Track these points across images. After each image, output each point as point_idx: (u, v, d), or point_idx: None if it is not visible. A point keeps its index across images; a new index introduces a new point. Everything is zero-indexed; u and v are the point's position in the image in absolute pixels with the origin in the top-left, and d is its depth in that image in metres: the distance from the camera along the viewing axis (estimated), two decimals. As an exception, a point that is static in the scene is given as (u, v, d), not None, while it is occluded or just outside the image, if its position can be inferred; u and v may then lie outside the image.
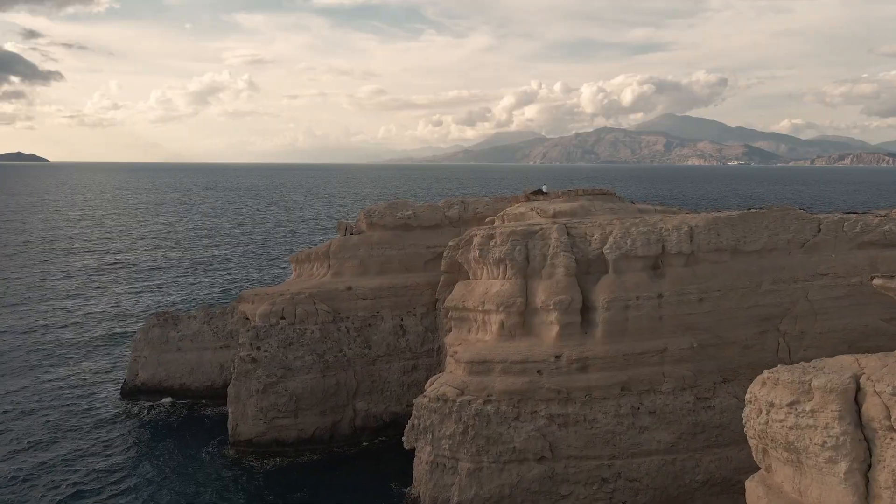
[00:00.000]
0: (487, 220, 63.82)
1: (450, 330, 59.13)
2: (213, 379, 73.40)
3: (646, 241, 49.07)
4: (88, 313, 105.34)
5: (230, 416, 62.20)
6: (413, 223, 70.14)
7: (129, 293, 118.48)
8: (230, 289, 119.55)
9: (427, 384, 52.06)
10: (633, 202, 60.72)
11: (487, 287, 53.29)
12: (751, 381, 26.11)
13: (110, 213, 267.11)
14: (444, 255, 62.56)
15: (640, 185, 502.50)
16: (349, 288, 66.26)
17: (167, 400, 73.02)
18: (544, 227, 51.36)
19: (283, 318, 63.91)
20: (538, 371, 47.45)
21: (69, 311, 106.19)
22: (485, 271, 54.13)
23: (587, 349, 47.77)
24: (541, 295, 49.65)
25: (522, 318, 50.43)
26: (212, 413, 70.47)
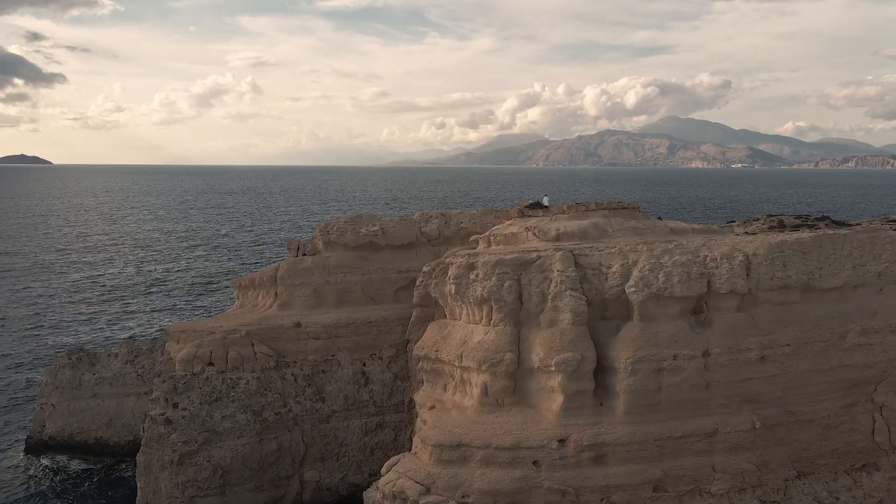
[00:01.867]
0: (473, 238, 49.86)
1: (421, 383, 45.38)
2: (137, 433, 59.09)
3: (685, 276, 35.15)
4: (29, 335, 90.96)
5: (139, 492, 48.24)
6: (381, 241, 56.20)
7: (82, 321, 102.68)
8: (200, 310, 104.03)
9: (384, 468, 38.20)
10: (660, 218, 46.64)
11: (467, 334, 39.44)
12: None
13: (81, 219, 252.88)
14: (418, 283, 48.74)
15: (644, 187, 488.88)
16: (298, 324, 52.29)
17: (77, 460, 59.10)
18: (544, 254, 37.44)
19: (210, 363, 49.99)
20: (534, 462, 33.57)
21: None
22: (464, 311, 40.31)
23: (604, 430, 33.81)
24: (539, 350, 35.76)
25: (513, 381, 36.59)
26: (133, 476, 56.44)
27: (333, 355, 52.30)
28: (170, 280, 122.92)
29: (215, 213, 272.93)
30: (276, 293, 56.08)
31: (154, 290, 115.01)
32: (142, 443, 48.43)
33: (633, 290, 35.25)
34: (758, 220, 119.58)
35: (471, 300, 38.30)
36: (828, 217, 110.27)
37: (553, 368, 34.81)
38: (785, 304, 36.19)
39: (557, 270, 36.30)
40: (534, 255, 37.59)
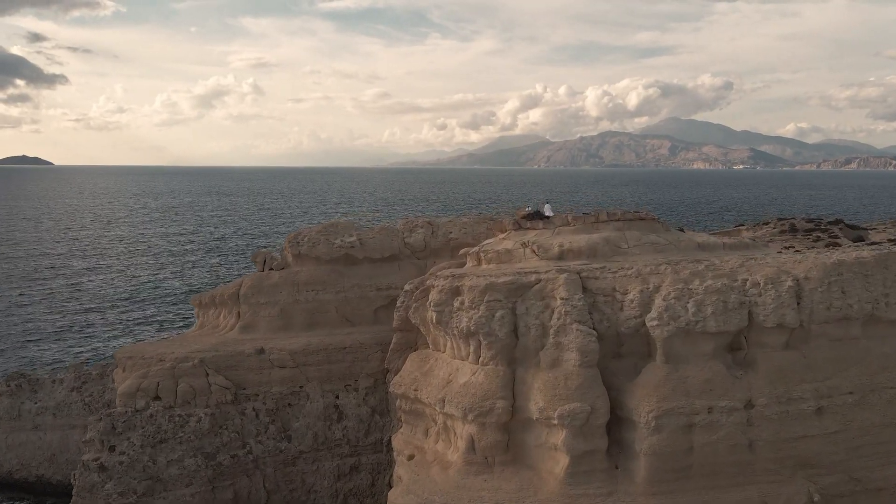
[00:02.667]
0: (463, 251, 42.74)
1: (400, 424, 38.37)
2: (83, 469, 52.21)
3: (721, 306, 28.10)
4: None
5: (71, 550, 41.24)
6: (358, 254, 49.16)
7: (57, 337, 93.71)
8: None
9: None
10: (681, 230, 39.41)
11: (452, 371, 32.39)
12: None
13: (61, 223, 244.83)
14: (398, 303, 41.77)
15: (647, 189, 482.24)
16: (261, 350, 45.25)
17: (16, 501, 52.02)
18: (545, 277, 30.37)
19: (156, 398, 42.98)
20: (532, 544, 26.34)
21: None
22: (449, 343, 33.27)
23: (620, 502, 26.67)
24: (538, 397, 28.72)
25: (506, 434, 29.52)
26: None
27: (301, 386, 45.29)
28: (155, 289, 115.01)
29: (211, 216, 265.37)
30: (239, 313, 49.05)
31: (137, 300, 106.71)
32: (73, 493, 41.39)
33: (655, 323, 28.16)
34: (767, 223, 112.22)
35: (455, 332, 31.24)
36: (841, 220, 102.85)
37: (556, 422, 27.77)
38: (845, 340, 29.12)
39: (561, 298, 29.22)
40: (532, 277, 30.50)
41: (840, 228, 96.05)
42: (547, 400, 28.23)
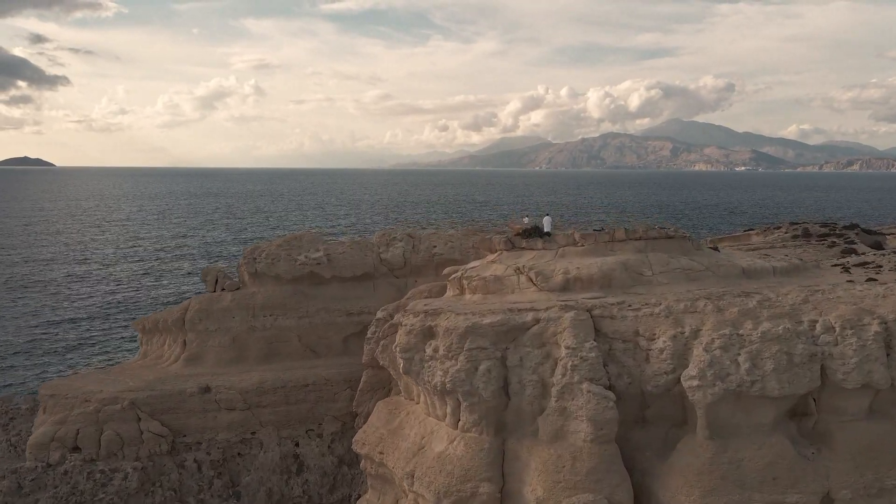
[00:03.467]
0: (447, 270, 35.19)
1: (367, 487, 30.92)
2: (8, 522, 44.73)
3: (784, 360, 20.59)
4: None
5: None
6: (325, 272, 41.68)
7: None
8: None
9: None
10: (715, 248, 31.65)
11: (425, 433, 24.90)
12: None
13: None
14: (369, 333, 34.29)
15: (649, 190, 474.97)
16: (206, 388, 37.78)
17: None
18: (545, 315, 22.87)
19: (75, 448, 35.56)
20: None
21: None
22: (422, 396, 25.80)
23: None
24: (536, 482, 21.18)
25: (494, 529, 21.85)
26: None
27: (254, 433, 37.85)
28: (134, 301, 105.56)
29: (209, 219, 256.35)
30: (185, 342, 41.58)
31: (110, 313, 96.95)
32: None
33: (696, 383, 20.65)
34: (779, 227, 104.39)
35: (428, 386, 23.71)
36: (856, 225, 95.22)
37: (561, 518, 20.18)
38: (950, 406, 21.55)
39: (567, 346, 21.74)
40: (528, 316, 23.01)
41: (856, 234, 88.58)
42: (548, 487, 20.73)
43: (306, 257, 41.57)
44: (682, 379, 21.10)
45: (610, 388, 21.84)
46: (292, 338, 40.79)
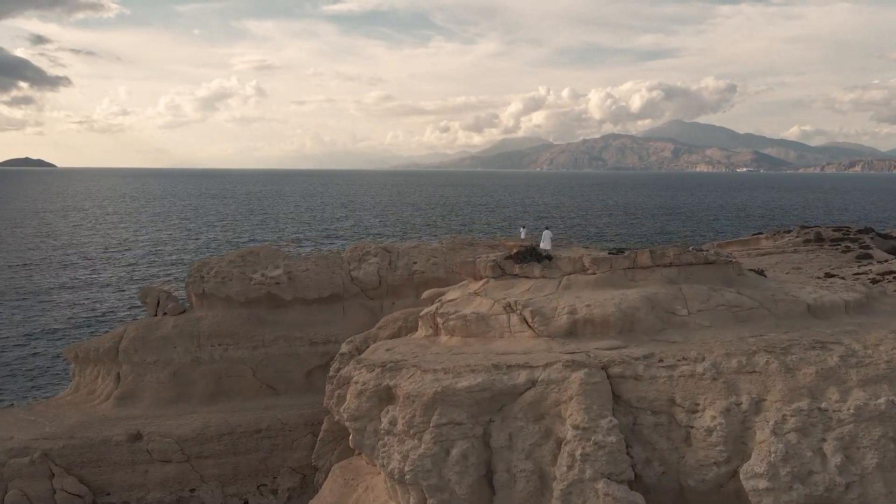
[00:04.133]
0: (426, 294, 28.63)
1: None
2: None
3: (892, 449, 13.83)
4: None
5: None
6: (286, 293, 35.19)
7: None
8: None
9: None
10: (761, 272, 24.87)
11: (384, 526, 18.21)
12: None
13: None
14: (331, 372, 27.79)
15: (651, 192, 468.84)
16: (136, 436, 31.31)
17: None
18: (543, 376, 16.36)
19: (-30, 514, 29.08)
20: None
21: None
22: (382, 476, 19.19)
23: None
24: None
25: None
26: None
27: (193, 490, 31.39)
28: (112, 315, 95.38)
29: (207, 221, 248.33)
30: (119, 375, 35.09)
31: (67, 335, 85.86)
32: None
33: (763, 484, 14.18)
34: (789, 231, 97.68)
35: (384, 471, 17.17)
36: (871, 229, 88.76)
37: None
38: None
39: (576, 425, 15.26)
40: (521, 376, 16.51)
41: (871, 238, 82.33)
42: None
43: (263, 275, 35.09)
44: (741, 475, 14.62)
45: (636, 478, 15.39)
46: (245, 372, 34.29)
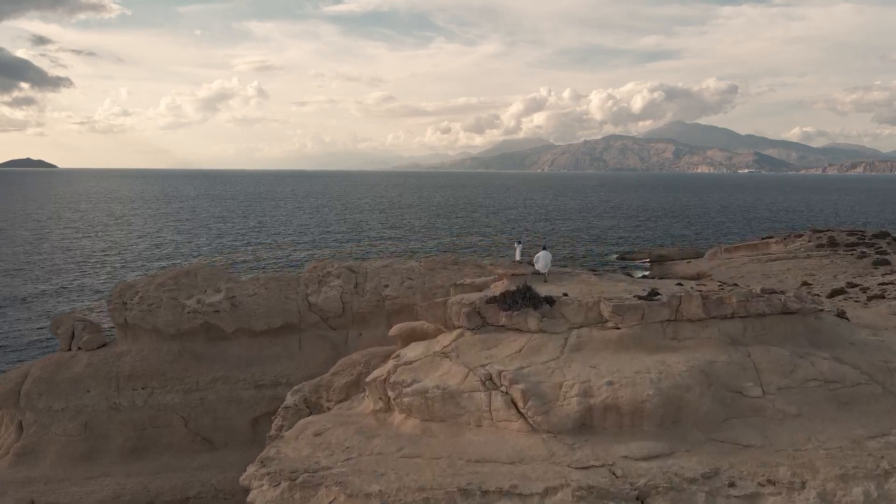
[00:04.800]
0: (394, 331, 21.99)
1: None
2: None
3: None
4: None
5: None
6: (227, 323, 28.58)
7: None
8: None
9: None
10: (844, 316, 18.43)
11: None
12: None
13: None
14: (273, 429, 21.30)
15: (652, 193, 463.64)
16: (31, 507, 24.71)
17: None
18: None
19: None
20: None
21: None
22: None
23: None
24: None
25: None
26: None
27: (100, 577, 24.78)
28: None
29: (205, 223, 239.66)
30: (23, 424, 28.52)
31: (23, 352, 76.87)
32: None
33: None
34: (801, 235, 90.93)
35: None
36: (887, 233, 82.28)
37: None
38: None
39: None
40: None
41: (888, 242, 75.95)
42: None
43: (199, 301, 28.53)
44: None
45: None
46: (175, 422, 27.76)
